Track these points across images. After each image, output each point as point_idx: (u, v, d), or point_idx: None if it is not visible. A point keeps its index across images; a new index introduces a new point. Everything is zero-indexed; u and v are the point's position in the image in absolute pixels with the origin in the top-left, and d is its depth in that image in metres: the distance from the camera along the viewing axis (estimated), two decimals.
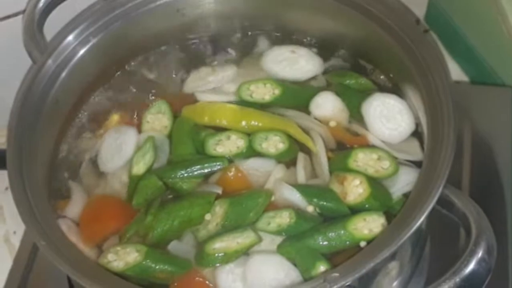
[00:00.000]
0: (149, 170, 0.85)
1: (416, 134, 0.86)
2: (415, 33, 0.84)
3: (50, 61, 0.89)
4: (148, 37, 0.98)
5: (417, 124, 0.86)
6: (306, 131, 0.88)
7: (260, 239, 0.78)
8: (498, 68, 1.03)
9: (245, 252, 0.78)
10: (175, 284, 0.78)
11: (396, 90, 0.90)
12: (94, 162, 0.90)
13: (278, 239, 0.79)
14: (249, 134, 0.87)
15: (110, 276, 0.76)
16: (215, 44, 1.01)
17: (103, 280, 0.73)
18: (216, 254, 0.77)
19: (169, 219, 0.81)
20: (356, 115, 0.88)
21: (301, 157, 0.86)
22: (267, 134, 0.86)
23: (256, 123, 0.88)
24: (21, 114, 0.84)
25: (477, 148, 0.94)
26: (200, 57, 1.00)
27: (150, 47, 1.00)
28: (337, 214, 0.80)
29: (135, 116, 0.93)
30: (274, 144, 0.86)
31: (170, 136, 0.89)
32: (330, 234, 0.77)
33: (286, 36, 0.98)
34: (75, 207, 0.86)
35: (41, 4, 0.88)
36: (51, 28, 0.90)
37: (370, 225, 0.77)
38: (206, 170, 0.85)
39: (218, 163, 0.85)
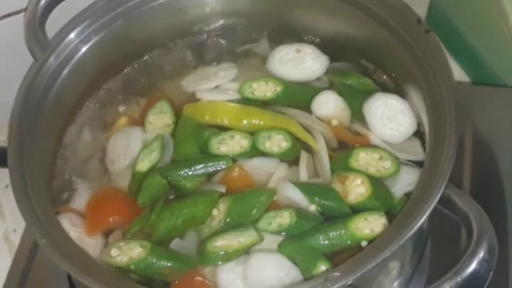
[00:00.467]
0: (153, 168, 0.85)
1: (418, 134, 0.86)
2: (417, 33, 0.84)
3: (51, 59, 0.89)
4: (150, 36, 0.98)
5: (419, 124, 0.86)
6: (307, 130, 0.88)
7: (261, 239, 0.78)
8: (499, 68, 1.03)
9: (246, 251, 0.77)
10: (175, 283, 0.78)
11: (398, 90, 0.90)
12: (97, 161, 0.90)
13: (280, 239, 0.79)
14: (252, 133, 0.87)
15: (110, 273, 0.76)
16: (217, 43, 1.01)
17: (103, 278, 0.73)
18: (217, 252, 0.77)
19: (173, 217, 0.81)
20: (358, 114, 0.88)
21: (304, 155, 0.86)
22: (269, 133, 0.86)
23: (258, 122, 0.88)
24: (22, 112, 0.84)
25: (478, 148, 0.95)
26: (201, 56, 1.00)
27: (152, 45, 1.00)
28: (338, 213, 0.80)
29: (138, 115, 0.93)
30: (277, 142, 0.86)
31: (173, 135, 0.89)
32: (331, 233, 0.77)
33: (288, 36, 0.98)
34: (79, 200, 0.86)
35: (43, 2, 0.88)
36: (52, 26, 0.90)
37: (371, 224, 0.77)
38: (210, 169, 0.85)
39: (223, 162, 0.85)
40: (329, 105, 0.89)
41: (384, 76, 0.93)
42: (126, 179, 0.87)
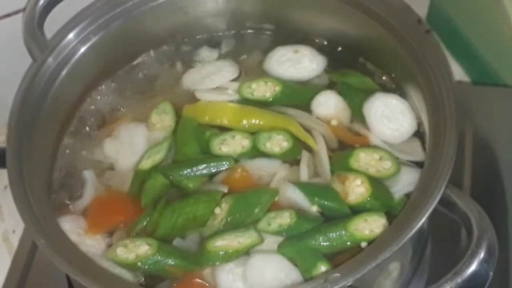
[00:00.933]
0: (155, 168, 0.85)
1: (418, 134, 0.86)
2: (417, 33, 0.84)
3: (50, 59, 0.89)
4: (149, 36, 0.98)
5: (419, 124, 0.86)
6: (307, 130, 0.88)
7: (262, 240, 0.78)
8: (499, 68, 1.03)
9: (246, 252, 0.77)
10: (174, 286, 0.78)
11: (398, 90, 0.90)
12: (97, 161, 0.90)
13: (280, 240, 0.79)
14: (252, 133, 0.87)
15: (110, 274, 0.76)
16: (217, 42, 1.01)
17: (103, 279, 0.73)
18: (217, 252, 0.77)
19: (174, 216, 0.81)
20: (358, 114, 0.88)
21: (305, 155, 0.86)
22: (270, 133, 0.86)
23: (257, 122, 0.88)
24: (21, 112, 0.84)
25: (478, 148, 0.94)
26: (201, 55, 1.00)
27: (151, 45, 1.00)
28: (338, 213, 0.80)
29: (138, 115, 0.93)
30: (278, 143, 0.86)
31: (173, 135, 0.89)
32: (331, 234, 0.77)
33: (288, 35, 0.98)
34: (79, 200, 0.86)
35: (41, 2, 0.88)
36: (51, 26, 0.90)
37: (371, 225, 0.77)
38: (213, 170, 0.85)
39: (225, 163, 0.85)
40: (329, 105, 0.89)
41: (384, 76, 0.93)
42: (127, 177, 0.87)
